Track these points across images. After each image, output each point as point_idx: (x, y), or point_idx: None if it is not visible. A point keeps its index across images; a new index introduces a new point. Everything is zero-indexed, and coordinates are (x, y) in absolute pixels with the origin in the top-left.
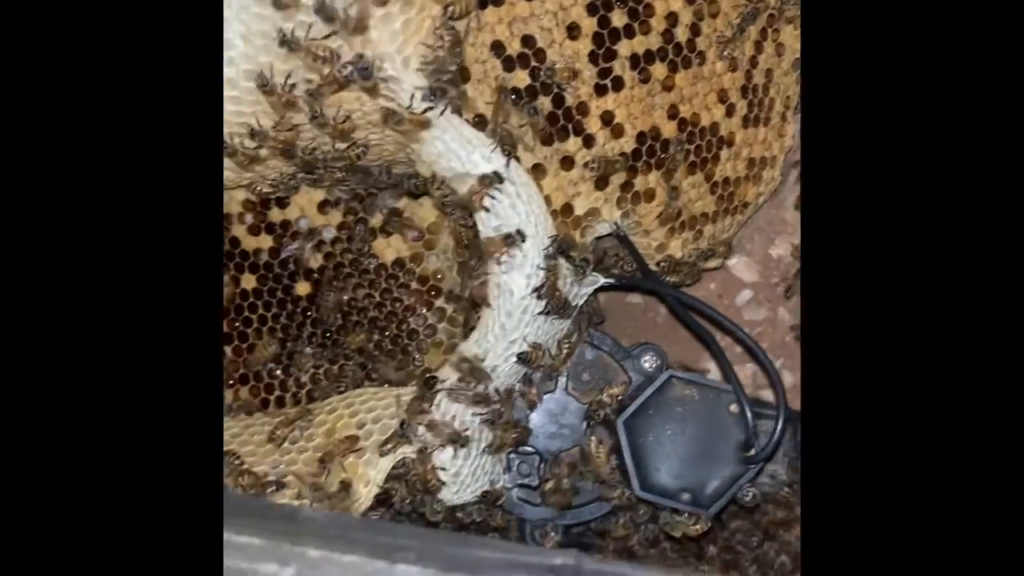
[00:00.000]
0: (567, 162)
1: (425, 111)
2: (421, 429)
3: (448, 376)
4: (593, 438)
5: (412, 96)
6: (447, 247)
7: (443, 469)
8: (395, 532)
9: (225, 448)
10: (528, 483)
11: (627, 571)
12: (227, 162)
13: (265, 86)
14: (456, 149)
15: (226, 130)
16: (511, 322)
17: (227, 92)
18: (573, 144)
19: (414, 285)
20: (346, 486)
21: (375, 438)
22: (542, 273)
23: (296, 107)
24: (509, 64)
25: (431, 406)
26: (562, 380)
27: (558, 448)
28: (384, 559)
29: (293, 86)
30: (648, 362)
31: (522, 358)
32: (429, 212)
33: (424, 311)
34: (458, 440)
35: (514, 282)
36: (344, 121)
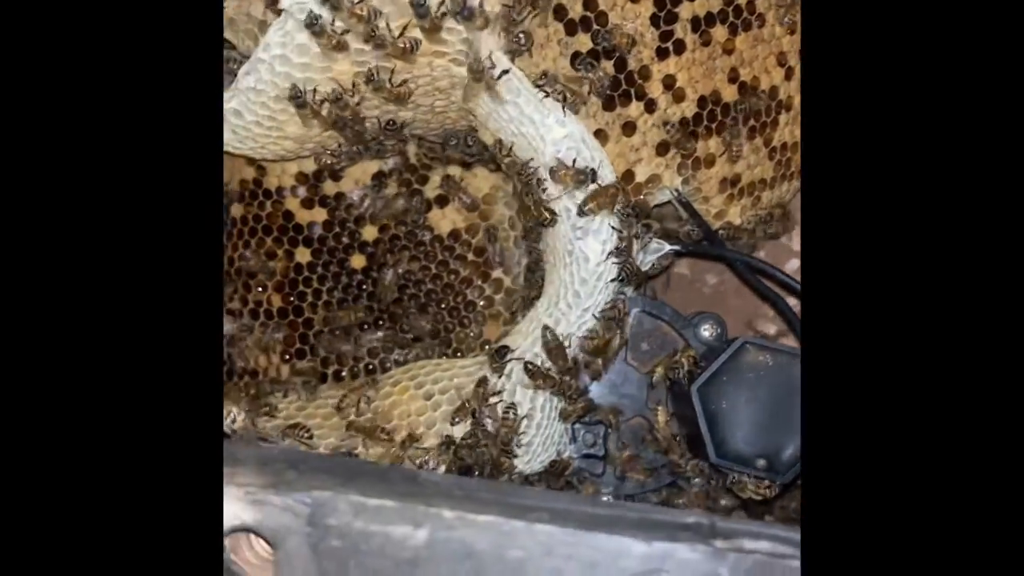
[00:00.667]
0: (629, 127)
1: (502, 73)
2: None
3: (519, 344)
4: (659, 407)
5: (490, 55)
6: (503, 218)
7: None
8: (521, 494)
9: (292, 421)
10: (594, 453)
11: (759, 528)
12: (289, 131)
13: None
14: (531, 113)
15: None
16: (585, 289)
17: (298, 59)
18: (635, 109)
19: (470, 257)
20: (413, 437)
21: (444, 408)
22: (615, 237)
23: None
24: (571, 28)
25: (500, 377)
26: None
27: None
28: (519, 519)
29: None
30: (707, 330)
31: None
32: (483, 182)
33: (481, 283)
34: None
35: (589, 248)
36: (400, 84)
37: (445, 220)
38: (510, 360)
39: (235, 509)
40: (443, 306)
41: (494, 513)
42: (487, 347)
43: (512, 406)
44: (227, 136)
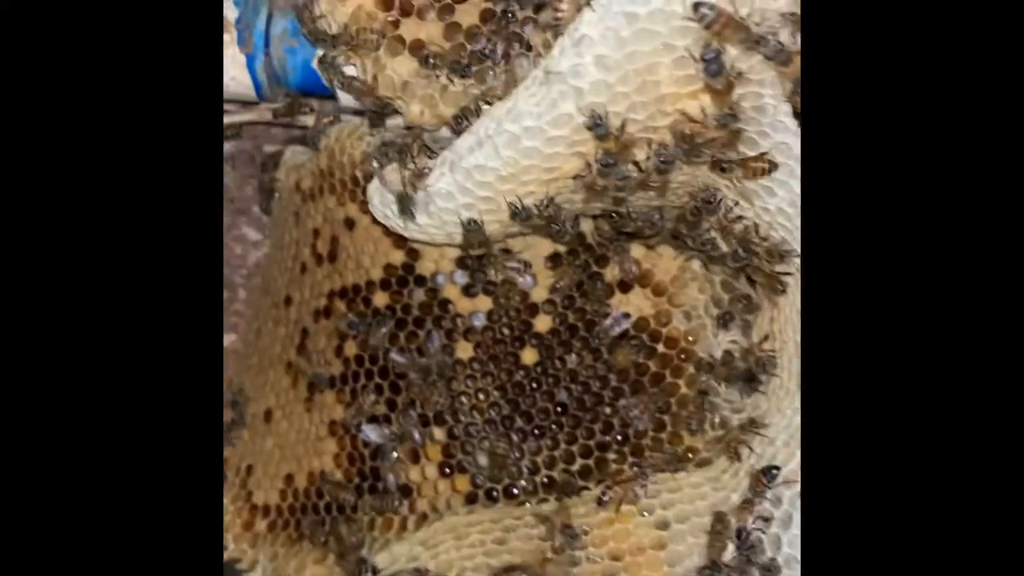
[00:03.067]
0: None
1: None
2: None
3: (777, 457)
4: None
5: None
6: (697, 302)
7: None
8: None
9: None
10: None
11: None
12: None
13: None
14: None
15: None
16: None
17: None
18: None
19: (661, 348)
20: None
21: (690, 541)
22: None
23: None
24: None
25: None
26: None
27: None
28: None
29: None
30: None
31: None
32: (670, 263)
33: (678, 380)
34: None
35: None
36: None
37: (630, 307)
38: (779, 482)
39: None
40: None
41: None
42: (734, 458)
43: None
44: (422, 220)
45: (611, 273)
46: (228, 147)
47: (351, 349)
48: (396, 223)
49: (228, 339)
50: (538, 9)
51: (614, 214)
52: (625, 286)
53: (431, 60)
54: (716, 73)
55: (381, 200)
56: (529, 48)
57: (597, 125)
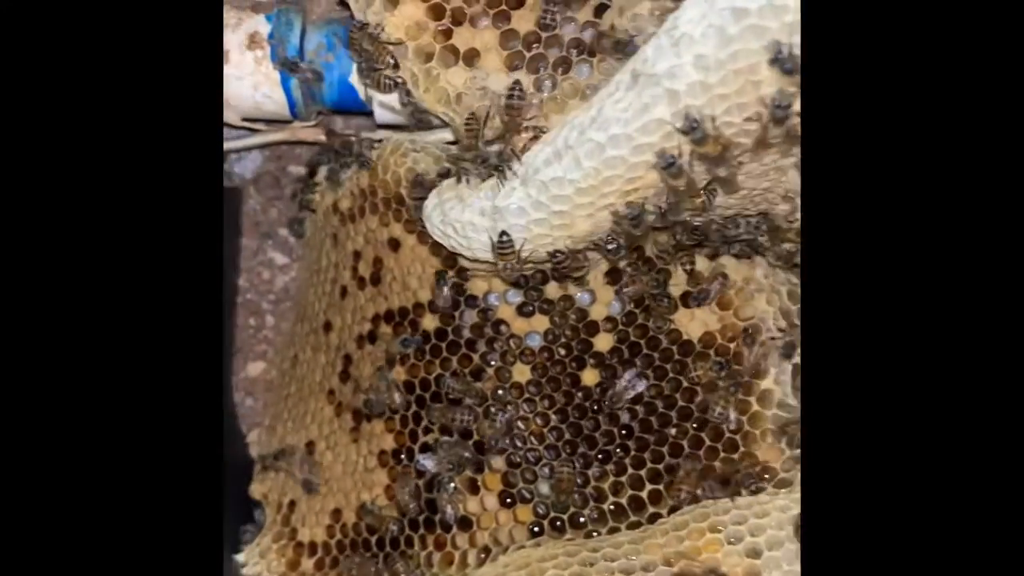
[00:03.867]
0: None
1: None
2: None
3: None
4: None
5: None
6: (766, 314)
7: None
8: None
9: None
10: None
11: None
12: (578, 227)
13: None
14: None
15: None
16: None
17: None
18: None
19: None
20: None
21: (785, 568)
22: None
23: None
24: None
25: None
26: None
27: None
28: None
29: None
30: None
31: None
32: (734, 273)
33: (744, 395)
34: None
35: None
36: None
37: (695, 322)
38: None
39: None
40: (699, 427)
41: None
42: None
43: None
44: (483, 240)
45: (675, 288)
46: (251, 168)
47: (400, 375)
48: (457, 242)
49: (257, 367)
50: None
51: (695, 227)
52: (688, 300)
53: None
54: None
55: (442, 219)
56: (591, 54)
57: (693, 128)
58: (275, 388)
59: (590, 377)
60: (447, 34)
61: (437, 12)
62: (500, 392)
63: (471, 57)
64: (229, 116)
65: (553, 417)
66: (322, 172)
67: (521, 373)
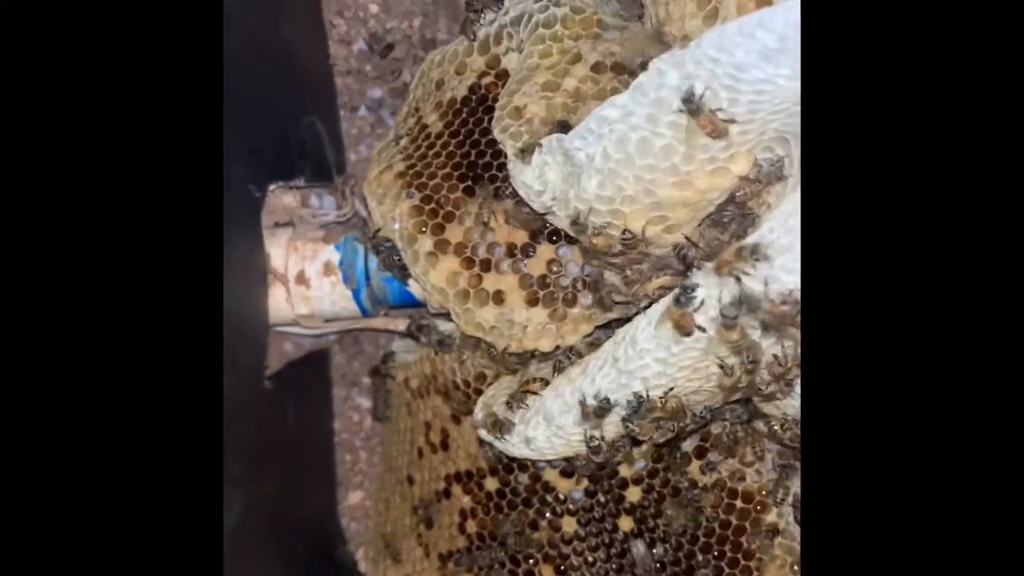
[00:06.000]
0: None
1: None
2: None
3: None
4: None
5: None
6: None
7: None
8: None
9: None
10: None
11: None
12: None
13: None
14: None
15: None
16: None
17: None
18: None
19: (739, 504)
20: None
21: None
22: None
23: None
24: None
25: None
26: None
27: None
28: None
29: None
30: None
31: None
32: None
33: (753, 529)
34: None
35: None
36: None
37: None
38: None
39: None
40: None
41: None
42: None
43: None
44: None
45: (688, 444)
46: (333, 335)
47: (472, 527)
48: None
49: (355, 496)
50: None
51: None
52: (701, 453)
53: None
54: None
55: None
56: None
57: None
58: (375, 523)
59: (626, 523)
60: (479, 279)
61: (469, 262)
62: (554, 542)
63: (499, 299)
64: (313, 322)
65: (600, 559)
66: (396, 345)
67: (569, 525)
